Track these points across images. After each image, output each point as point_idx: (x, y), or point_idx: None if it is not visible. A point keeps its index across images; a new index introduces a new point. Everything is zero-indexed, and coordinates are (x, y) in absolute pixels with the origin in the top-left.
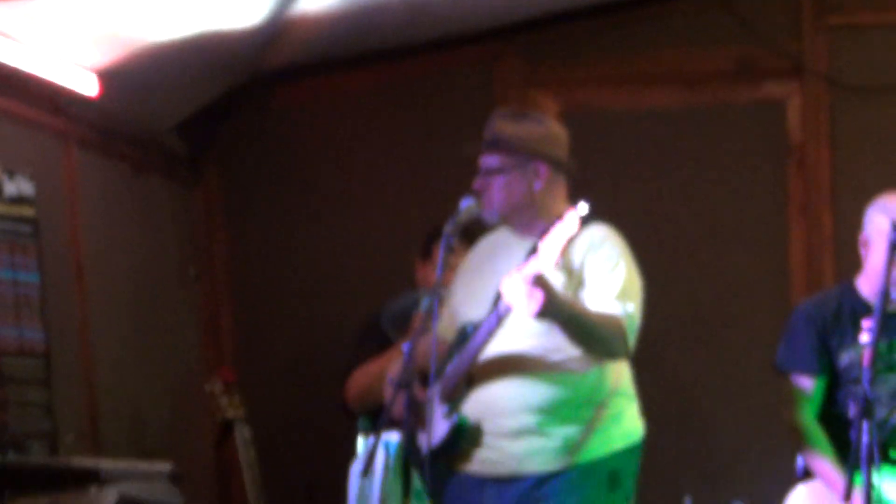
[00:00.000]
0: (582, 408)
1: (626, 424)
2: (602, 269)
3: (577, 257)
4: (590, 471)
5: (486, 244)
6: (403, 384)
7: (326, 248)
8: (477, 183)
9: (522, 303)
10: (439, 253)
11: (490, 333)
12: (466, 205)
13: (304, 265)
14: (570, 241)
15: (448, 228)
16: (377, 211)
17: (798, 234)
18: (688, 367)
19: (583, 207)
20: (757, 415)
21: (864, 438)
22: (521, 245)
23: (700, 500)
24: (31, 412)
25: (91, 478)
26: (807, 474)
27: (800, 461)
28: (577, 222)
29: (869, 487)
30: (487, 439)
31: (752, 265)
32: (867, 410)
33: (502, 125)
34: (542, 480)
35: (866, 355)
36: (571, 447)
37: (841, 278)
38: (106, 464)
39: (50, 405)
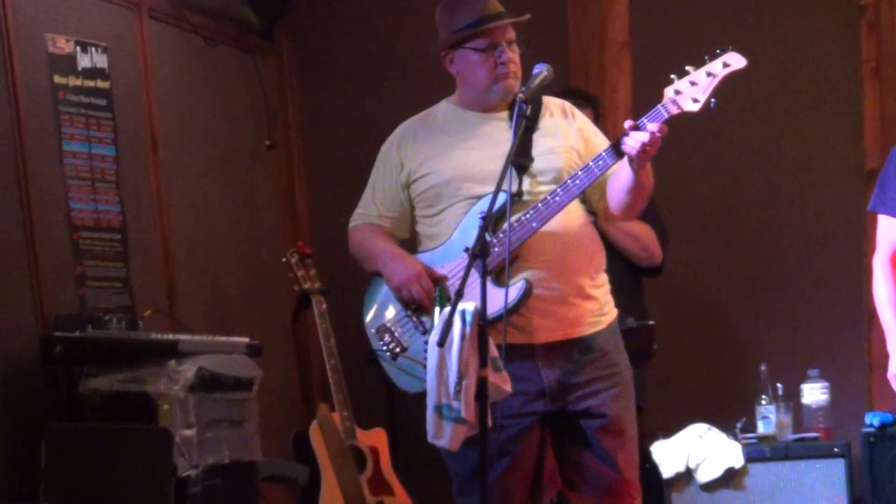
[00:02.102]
0: (603, 271)
1: None
2: (599, 133)
3: (569, 123)
4: (614, 331)
5: (435, 129)
6: (479, 253)
7: (400, 116)
8: (509, 56)
9: (645, 154)
10: (513, 119)
11: (571, 199)
12: (539, 70)
13: (378, 135)
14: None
15: (521, 95)
16: (451, 79)
17: (871, 97)
18: (763, 231)
19: (737, 58)
20: (833, 283)
21: None
22: (499, 120)
23: (776, 368)
24: (108, 287)
25: (169, 352)
26: None
27: None
28: (734, 66)
29: None
30: (541, 306)
31: (825, 129)
32: None
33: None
34: (587, 342)
35: None
36: (602, 308)
37: None
38: (184, 338)
39: (127, 280)
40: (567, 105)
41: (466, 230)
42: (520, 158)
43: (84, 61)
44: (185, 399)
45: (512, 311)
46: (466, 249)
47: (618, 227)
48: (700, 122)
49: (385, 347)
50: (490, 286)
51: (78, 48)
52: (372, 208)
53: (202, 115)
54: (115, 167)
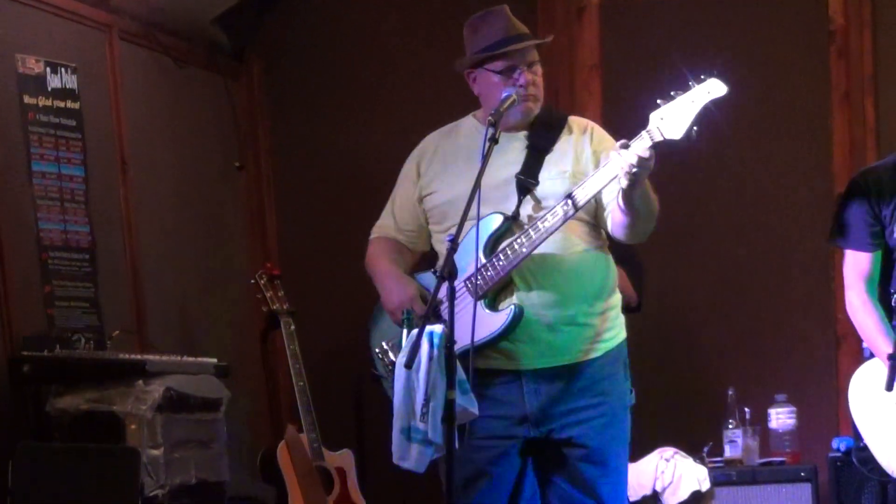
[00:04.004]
0: (606, 297)
1: (623, 315)
2: None
3: (584, 144)
4: (613, 358)
5: (455, 144)
6: (447, 275)
7: (369, 139)
8: (527, 79)
9: (633, 176)
10: (481, 143)
11: (560, 224)
12: (508, 94)
13: (346, 156)
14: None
15: (491, 118)
16: (420, 101)
17: (840, 123)
18: (732, 256)
19: (718, 85)
20: (802, 307)
21: None
22: (514, 140)
23: (744, 392)
24: (77, 307)
25: (137, 372)
26: (874, 356)
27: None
28: (714, 93)
29: None
30: (529, 332)
31: (794, 154)
32: None
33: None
34: (576, 370)
35: None
36: (599, 336)
37: None
38: (152, 358)
39: (96, 300)
40: (590, 126)
41: (465, 250)
42: (526, 180)
43: (54, 82)
44: (152, 419)
45: (499, 337)
46: (434, 272)
47: None
48: (669, 148)
49: (385, 368)
50: (483, 311)
51: (48, 69)
52: (390, 221)
53: (172, 136)
54: (85, 187)
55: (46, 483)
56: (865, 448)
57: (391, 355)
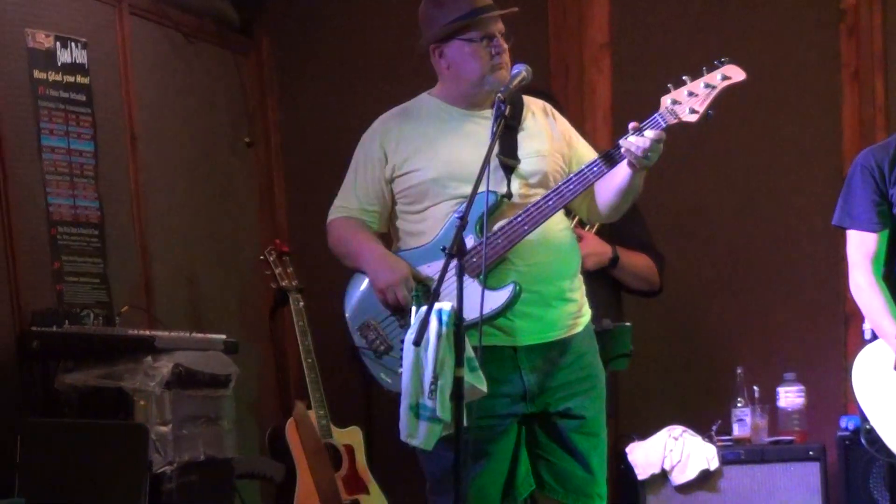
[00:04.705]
0: (579, 274)
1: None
2: (579, 136)
3: (551, 125)
4: (589, 333)
5: (421, 123)
6: (455, 251)
7: (378, 115)
8: (504, 47)
9: (646, 160)
10: (492, 119)
11: (564, 204)
12: (518, 70)
13: (357, 132)
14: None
15: (500, 95)
16: (430, 76)
17: (850, 101)
18: (741, 234)
19: (736, 71)
20: (811, 286)
21: None
22: (484, 119)
23: (752, 370)
24: (86, 283)
25: (146, 348)
26: (875, 338)
27: (868, 324)
28: (734, 78)
29: None
30: (524, 307)
31: (804, 132)
32: None
33: None
34: (564, 344)
35: None
36: (580, 310)
37: None
38: (161, 334)
39: (105, 276)
40: (548, 106)
41: (452, 230)
42: (507, 160)
43: (64, 56)
44: (161, 395)
45: (500, 313)
46: (443, 249)
47: (626, 270)
48: (678, 125)
49: (369, 345)
50: (480, 289)
51: (58, 43)
52: (353, 201)
53: (181, 111)
54: (94, 163)
55: (54, 459)
56: (873, 429)
57: (381, 330)
